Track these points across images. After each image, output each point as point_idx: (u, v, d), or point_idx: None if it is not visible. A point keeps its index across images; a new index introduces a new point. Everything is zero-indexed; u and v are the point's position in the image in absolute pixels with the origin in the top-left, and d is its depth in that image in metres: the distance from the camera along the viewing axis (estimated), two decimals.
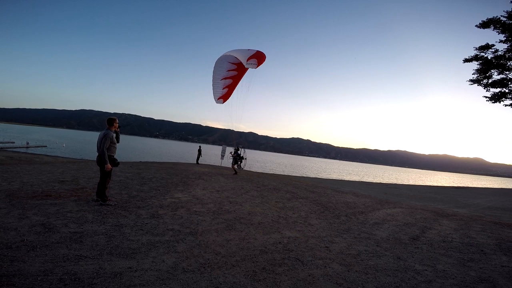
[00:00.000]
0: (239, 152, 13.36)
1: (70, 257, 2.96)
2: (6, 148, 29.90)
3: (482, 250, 4.28)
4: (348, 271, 3.26)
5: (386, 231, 5.13)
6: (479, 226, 5.96)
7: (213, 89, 10.78)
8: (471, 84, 17.32)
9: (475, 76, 16.94)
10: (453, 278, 3.22)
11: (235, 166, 13.32)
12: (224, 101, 10.96)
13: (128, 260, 3.04)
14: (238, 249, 3.72)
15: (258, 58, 9.51)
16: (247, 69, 9.83)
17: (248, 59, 9.31)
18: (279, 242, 4.12)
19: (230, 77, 10.47)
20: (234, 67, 10.31)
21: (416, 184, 36.92)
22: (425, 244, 4.49)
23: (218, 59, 10.49)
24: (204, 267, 3.06)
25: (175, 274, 2.85)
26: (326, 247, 4.08)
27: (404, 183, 36.06)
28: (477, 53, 16.44)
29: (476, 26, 16.09)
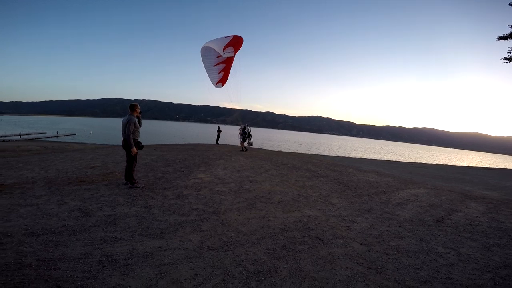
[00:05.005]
0: (246, 130, 13.84)
1: (106, 239, 3.19)
2: (39, 138, 32.28)
3: (509, 235, 4.09)
4: (369, 251, 3.28)
5: (409, 212, 5.02)
6: (509, 210, 5.65)
7: (208, 76, 11.03)
8: (506, 62, 16.50)
9: (510, 54, 16.12)
10: (475, 263, 3.15)
11: (245, 144, 13.92)
12: (223, 84, 11.19)
13: (158, 240, 3.25)
14: (259, 227, 3.84)
15: (234, 45, 9.60)
16: (238, 49, 9.87)
17: (224, 49, 9.36)
18: (299, 221, 4.18)
19: (222, 62, 10.60)
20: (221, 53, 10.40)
21: (443, 163, 35.19)
22: (450, 226, 4.36)
23: (203, 48, 10.65)
24: (227, 245, 3.22)
25: (201, 252, 3.02)
26: (347, 226, 4.08)
27: (431, 163, 34.51)
28: None
29: (510, 4, 14.88)
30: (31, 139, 29.62)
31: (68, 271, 2.49)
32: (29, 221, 3.55)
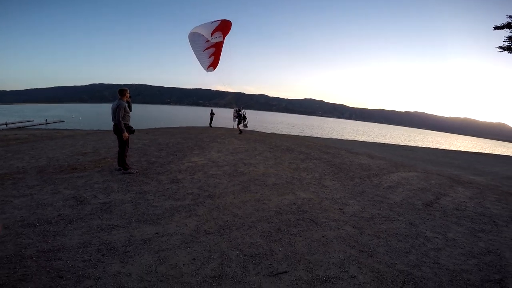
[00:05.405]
0: (240, 112, 14.00)
1: (103, 227, 3.17)
2: (27, 126, 31.20)
3: (494, 221, 4.20)
4: (361, 234, 3.36)
5: (400, 196, 5.14)
6: (494, 196, 5.80)
7: (199, 61, 10.83)
8: (501, 51, 16.92)
9: (506, 43, 16.51)
10: (461, 248, 3.23)
11: (240, 126, 14.13)
12: (214, 68, 11.05)
13: (154, 226, 3.26)
14: (254, 210, 3.89)
15: (223, 29, 9.40)
16: (227, 33, 9.66)
17: (212, 34, 9.17)
18: (293, 203, 4.24)
19: (211, 46, 10.39)
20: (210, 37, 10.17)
21: (433, 147, 35.89)
22: (438, 211, 4.47)
23: (190, 34, 10.39)
24: (223, 229, 3.26)
25: (198, 237, 3.06)
26: (339, 209, 4.17)
27: (421, 146, 35.17)
28: (510, 20, 15.67)
29: None
30: (19, 128, 28.70)
31: (68, 261, 2.49)
32: (24, 212, 3.49)
